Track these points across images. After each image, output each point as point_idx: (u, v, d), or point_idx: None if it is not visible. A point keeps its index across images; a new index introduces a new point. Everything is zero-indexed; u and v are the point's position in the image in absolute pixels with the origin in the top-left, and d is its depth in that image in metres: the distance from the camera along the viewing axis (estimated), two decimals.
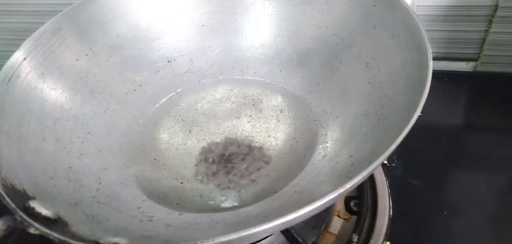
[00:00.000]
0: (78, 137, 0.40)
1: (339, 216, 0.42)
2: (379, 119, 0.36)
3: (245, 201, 0.37)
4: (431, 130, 0.49)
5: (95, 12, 0.46)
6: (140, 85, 0.48)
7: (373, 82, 0.39)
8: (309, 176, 0.37)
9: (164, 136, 0.45)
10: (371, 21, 0.41)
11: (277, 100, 0.47)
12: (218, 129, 0.45)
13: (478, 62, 0.60)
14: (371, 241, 0.39)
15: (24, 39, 0.40)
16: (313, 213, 0.25)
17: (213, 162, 0.41)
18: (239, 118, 0.45)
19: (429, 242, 0.41)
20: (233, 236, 0.23)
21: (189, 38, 0.50)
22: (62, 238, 0.25)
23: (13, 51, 0.39)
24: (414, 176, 0.45)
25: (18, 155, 0.34)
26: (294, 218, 0.24)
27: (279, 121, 0.45)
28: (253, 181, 0.39)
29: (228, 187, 0.39)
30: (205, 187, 0.39)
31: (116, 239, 0.28)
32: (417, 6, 0.55)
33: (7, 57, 0.39)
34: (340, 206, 0.42)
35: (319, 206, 0.25)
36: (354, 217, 0.41)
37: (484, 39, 0.57)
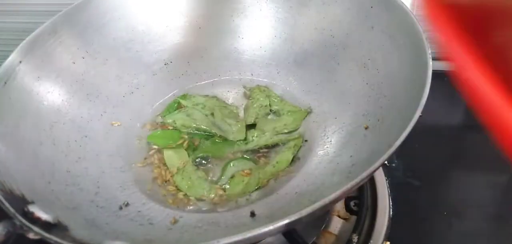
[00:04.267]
0: (76, 141, 0.40)
1: (339, 216, 0.41)
2: (378, 120, 0.36)
3: (246, 202, 0.37)
4: (431, 130, 0.49)
5: (92, 14, 0.46)
6: (137, 88, 0.47)
7: (371, 82, 0.39)
8: (309, 177, 0.37)
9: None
10: (368, 22, 0.41)
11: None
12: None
13: None
14: (371, 241, 0.39)
15: (23, 39, 0.40)
16: (316, 215, 0.25)
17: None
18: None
19: (429, 242, 0.41)
20: (237, 237, 0.23)
21: (186, 40, 0.50)
22: (63, 242, 0.25)
23: (12, 51, 0.39)
24: (414, 176, 0.46)
25: (16, 159, 0.34)
26: (297, 219, 0.24)
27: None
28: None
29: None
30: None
31: (116, 243, 0.27)
32: (417, 6, 0.55)
33: (6, 57, 0.38)
34: (340, 206, 0.42)
35: (321, 207, 0.24)
36: (354, 217, 0.41)
37: None
